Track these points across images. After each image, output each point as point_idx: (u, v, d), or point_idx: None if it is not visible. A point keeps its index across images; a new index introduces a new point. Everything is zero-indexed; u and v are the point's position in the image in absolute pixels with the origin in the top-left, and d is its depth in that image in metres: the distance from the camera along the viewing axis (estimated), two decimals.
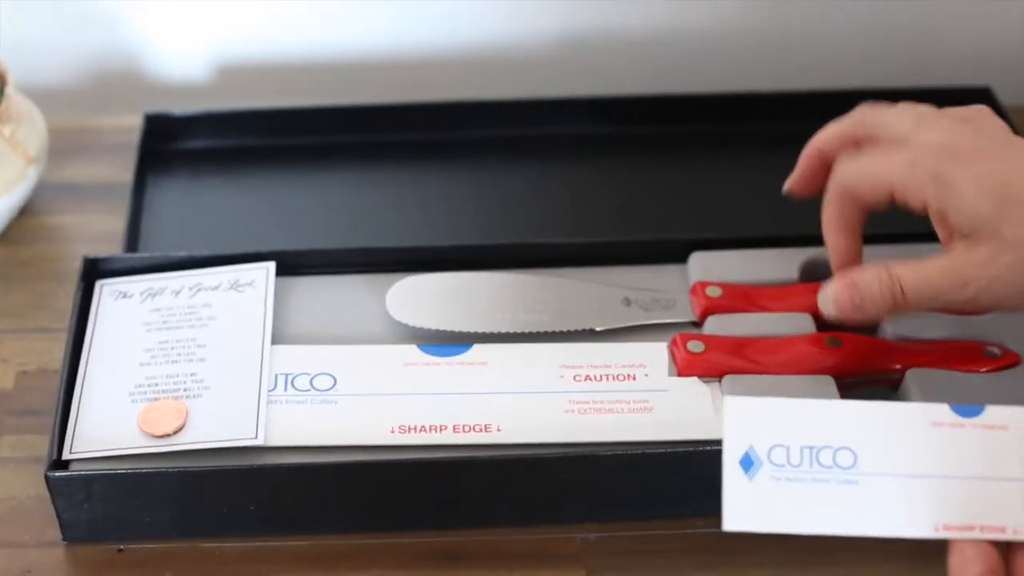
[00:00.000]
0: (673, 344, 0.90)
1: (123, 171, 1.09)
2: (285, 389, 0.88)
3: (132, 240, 1.03)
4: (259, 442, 0.85)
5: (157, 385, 0.89)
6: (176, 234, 1.06)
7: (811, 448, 0.73)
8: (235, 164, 1.12)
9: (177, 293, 0.95)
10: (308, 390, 0.88)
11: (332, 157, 1.13)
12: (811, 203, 0.94)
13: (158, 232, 1.06)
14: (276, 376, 0.89)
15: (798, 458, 0.74)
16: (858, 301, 0.82)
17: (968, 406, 0.74)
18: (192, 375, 0.89)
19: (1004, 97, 1.15)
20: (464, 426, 0.86)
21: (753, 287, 0.94)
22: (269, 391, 0.88)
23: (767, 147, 1.14)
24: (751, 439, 0.74)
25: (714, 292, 0.93)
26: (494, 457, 0.85)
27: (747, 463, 0.73)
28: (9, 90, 1.04)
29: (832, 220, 0.86)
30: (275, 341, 0.92)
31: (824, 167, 0.88)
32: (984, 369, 0.89)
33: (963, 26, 1.23)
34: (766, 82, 1.22)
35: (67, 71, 1.22)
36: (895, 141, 0.83)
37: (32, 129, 1.05)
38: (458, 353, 0.90)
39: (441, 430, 0.86)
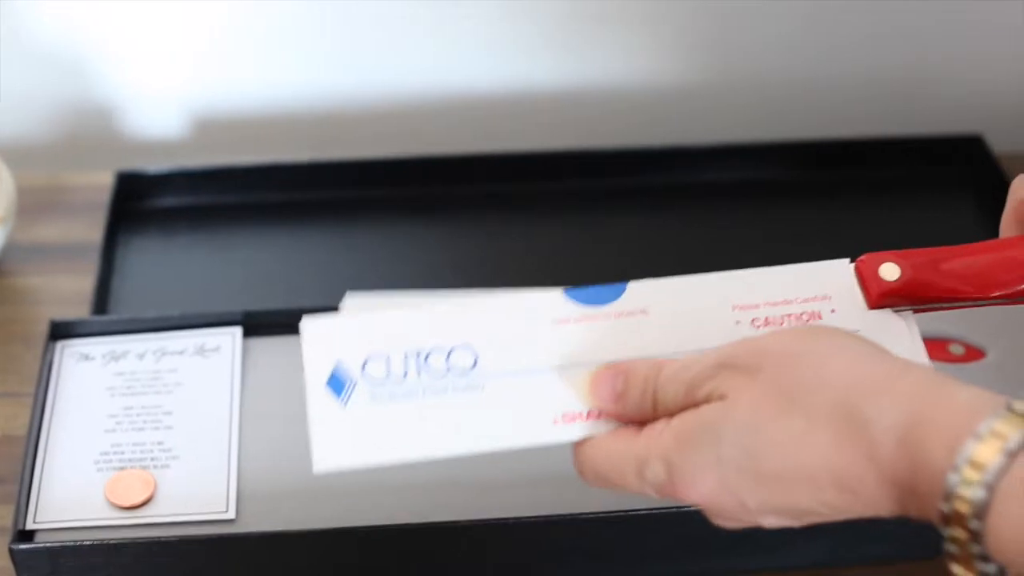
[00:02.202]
0: (860, 268, 0.73)
1: (95, 230, 1.07)
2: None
3: (101, 302, 1.00)
4: (230, 516, 0.83)
5: (123, 454, 0.86)
6: (148, 294, 1.03)
7: (417, 354, 0.64)
8: (209, 222, 1.10)
9: (141, 357, 0.92)
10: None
11: (308, 214, 1.10)
12: None
13: (129, 293, 1.03)
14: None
15: (401, 368, 0.64)
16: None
17: (598, 288, 0.69)
18: (159, 444, 0.87)
19: (996, 145, 1.13)
20: None
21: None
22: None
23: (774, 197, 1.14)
24: (338, 355, 0.64)
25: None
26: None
27: (336, 385, 0.64)
28: None
29: (1006, 226, 0.75)
30: (244, 406, 0.90)
31: None
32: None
33: (954, 73, 1.21)
34: (758, 132, 1.20)
35: (39, 126, 1.20)
36: None
37: None
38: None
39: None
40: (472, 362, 0.65)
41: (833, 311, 0.71)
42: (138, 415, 0.89)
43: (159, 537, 0.81)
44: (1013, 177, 1.06)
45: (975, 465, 0.56)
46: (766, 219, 1.11)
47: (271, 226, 1.10)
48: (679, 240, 1.09)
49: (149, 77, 1.18)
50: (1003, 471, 0.56)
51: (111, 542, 0.80)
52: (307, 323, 0.64)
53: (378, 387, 0.63)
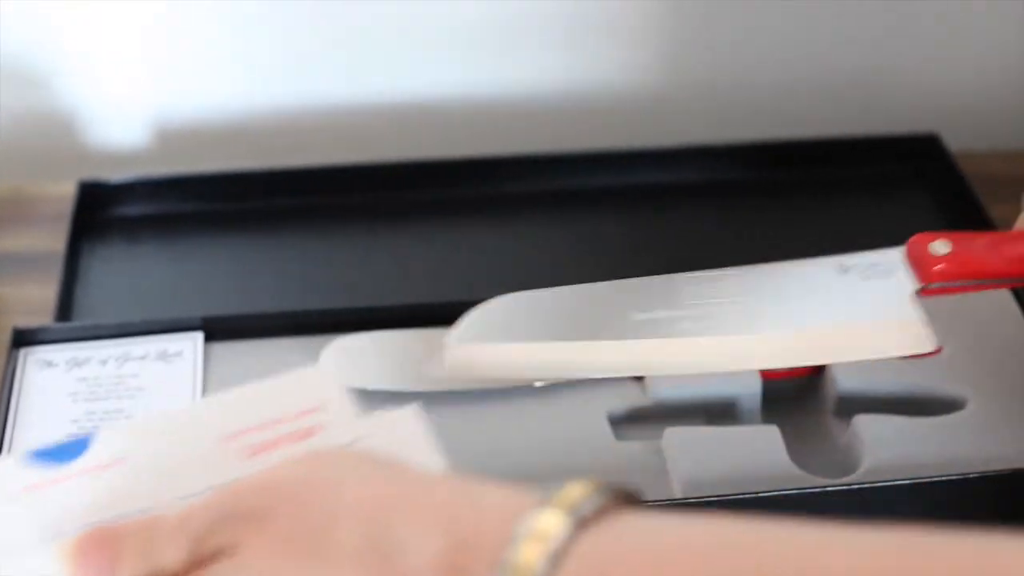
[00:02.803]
0: (911, 248, 0.81)
1: (59, 240, 1.07)
2: None
3: (64, 310, 1.01)
4: None
5: None
6: (111, 302, 1.03)
7: None
8: (172, 230, 1.10)
9: (104, 362, 0.93)
10: None
11: (271, 221, 1.11)
12: None
13: (93, 301, 1.03)
14: None
15: None
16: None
17: (61, 446, 0.62)
18: None
19: (952, 144, 1.14)
20: None
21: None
22: None
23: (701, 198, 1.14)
24: None
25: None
26: None
27: None
28: None
29: None
30: None
31: None
32: None
33: (909, 74, 1.22)
34: (714, 134, 1.20)
35: (1, 137, 1.20)
36: None
37: None
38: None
39: None
40: None
41: (327, 422, 0.66)
42: (101, 419, 0.89)
43: None
44: (969, 175, 1.08)
45: None
46: (723, 220, 1.12)
47: (232, 233, 1.10)
48: (638, 242, 1.10)
49: (110, 88, 1.19)
50: None
51: None
52: None
53: None
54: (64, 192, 1.11)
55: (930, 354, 0.86)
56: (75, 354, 0.93)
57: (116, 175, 1.12)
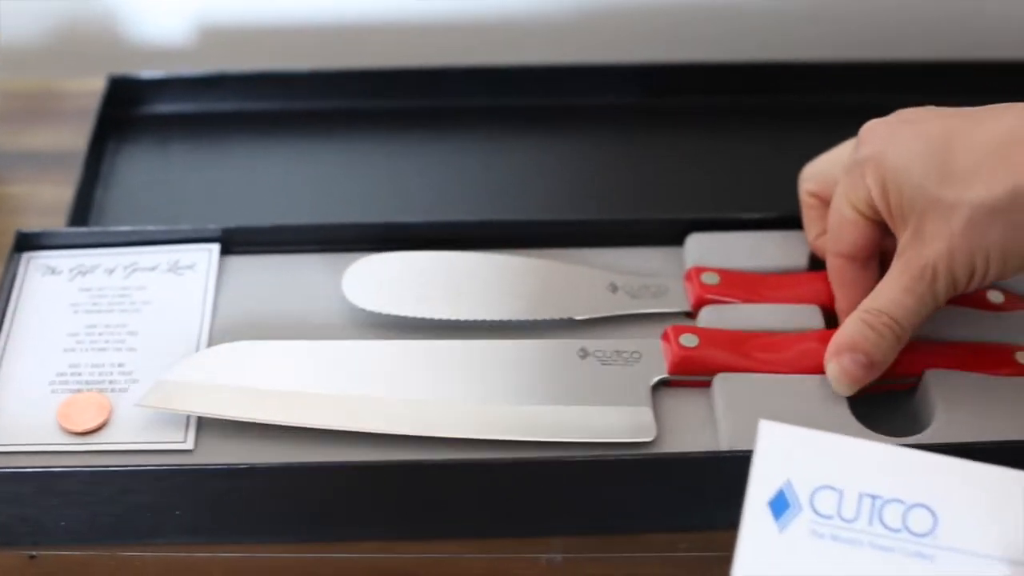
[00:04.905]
0: (664, 338, 0.80)
1: (84, 138, 1.00)
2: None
3: (81, 213, 0.94)
4: (187, 447, 0.77)
5: (80, 375, 0.80)
6: (134, 207, 0.97)
7: (874, 499, 0.59)
8: (204, 131, 1.03)
9: (111, 272, 0.86)
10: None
11: (308, 124, 1.04)
12: None
13: (113, 204, 0.97)
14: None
15: (854, 510, 0.59)
16: (865, 360, 0.75)
17: None
18: (120, 366, 0.81)
19: None
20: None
21: (755, 274, 0.84)
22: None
23: (780, 121, 1.06)
24: (790, 473, 0.59)
25: (711, 279, 0.83)
26: (451, 462, 0.75)
27: (779, 505, 0.59)
28: None
29: (808, 224, 0.84)
30: (217, 327, 0.83)
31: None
32: (1011, 373, 0.78)
33: None
34: (796, 52, 1.13)
35: (32, 30, 1.13)
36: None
37: None
38: None
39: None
40: (929, 527, 0.58)
41: None
42: (100, 334, 0.82)
43: (105, 466, 0.74)
44: None
45: None
46: (789, 144, 1.03)
47: (269, 137, 1.03)
48: (673, 164, 1.02)
49: None
50: None
51: (55, 470, 0.74)
52: (766, 426, 0.60)
53: (822, 523, 0.59)
54: (93, 88, 1.04)
55: (1016, 308, 0.82)
56: (81, 261, 0.87)
57: (147, 71, 1.04)
